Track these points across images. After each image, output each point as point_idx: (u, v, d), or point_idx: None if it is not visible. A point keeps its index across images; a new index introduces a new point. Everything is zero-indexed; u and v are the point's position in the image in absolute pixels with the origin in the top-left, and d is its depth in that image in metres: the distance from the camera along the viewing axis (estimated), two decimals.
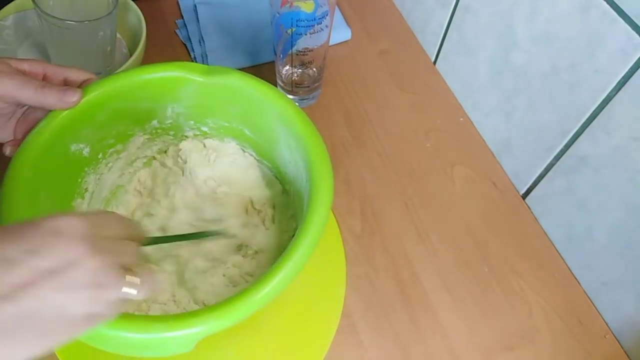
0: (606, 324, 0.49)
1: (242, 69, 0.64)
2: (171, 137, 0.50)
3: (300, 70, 0.58)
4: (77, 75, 0.43)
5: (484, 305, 0.49)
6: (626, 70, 0.40)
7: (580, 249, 0.50)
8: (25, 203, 0.37)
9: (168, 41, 0.67)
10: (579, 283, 0.51)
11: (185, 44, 0.67)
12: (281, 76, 0.59)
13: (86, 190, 0.46)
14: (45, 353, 0.27)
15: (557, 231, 0.53)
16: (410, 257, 0.52)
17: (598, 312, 0.50)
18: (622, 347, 0.48)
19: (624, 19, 0.40)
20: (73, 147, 0.43)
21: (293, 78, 0.59)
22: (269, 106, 0.42)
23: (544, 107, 0.50)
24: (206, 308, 0.32)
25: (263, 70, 0.64)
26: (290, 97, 0.61)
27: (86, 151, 0.44)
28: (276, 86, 0.61)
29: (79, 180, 0.45)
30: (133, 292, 0.29)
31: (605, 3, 0.41)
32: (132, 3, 0.60)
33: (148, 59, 0.61)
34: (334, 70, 0.65)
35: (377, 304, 0.49)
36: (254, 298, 0.33)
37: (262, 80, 0.43)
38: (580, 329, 0.49)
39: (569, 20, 0.44)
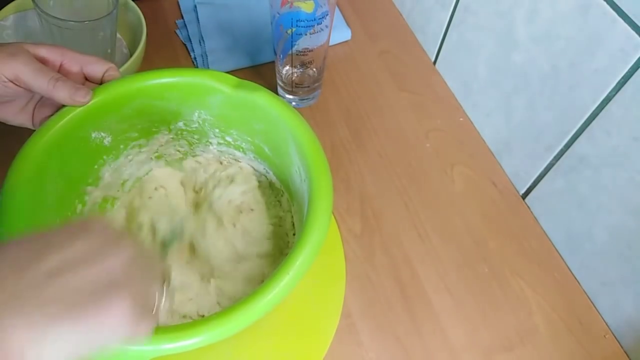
0: (606, 324, 0.49)
1: (242, 69, 0.65)
2: (196, 140, 0.50)
3: (300, 71, 0.58)
4: (95, 67, 0.42)
5: (484, 305, 0.50)
6: (626, 70, 0.40)
7: (580, 249, 0.50)
8: (31, 179, 0.38)
9: (168, 41, 0.67)
10: (579, 283, 0.51)
11: (185, 44, 0.67)
12: (281, 76, 0.59)
13: (101, 178, 0.46)
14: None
15: (557, 231, 0.53)
16: (410, 257, 0.52)
17: (598, 312, 0.50)
18: (622, 347, 0.48)
19: (623, 19, 0.40)
20: (94, 135, 0.43)
21: (293, 78, 0.59)
22: (286, 130, 0.41)
23: (544, 107, 0.50)
24: (198, 321, 0.32)
25: (263, 71, 0.64)
26: (290, 97, 0.61)
27: (107, 140, 0.44)
28: (276, 86, 0.61)
29: (96, 167, 0.45)
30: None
31: (605, 3, 0.41)
32: (132, 3, 0.60)
33: (148, 59, 0.61)
34: (334, 70, 0.65)
35: (377, 304, 0.49)
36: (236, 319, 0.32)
37: (287, 103, 0.42)
38: (580, 329, 0.49)
39: (569, 20, 0.44)
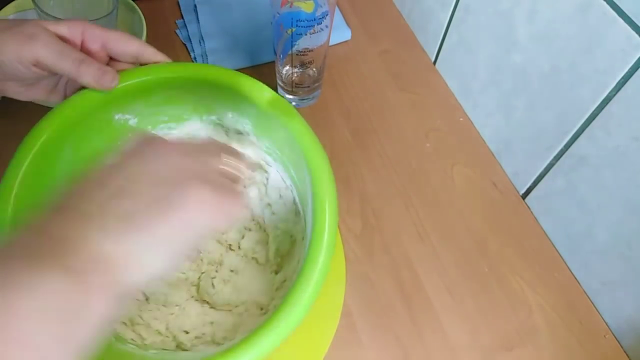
0: (606, 323, 0.49)
1: (242, 69, 0.64)
2: (232, 132, 0.47)
3: (300, 71, 0.58)
4: (119, 44, 0.39)
5: (484, 305, 0.49)
6: (626, 70, 0.40)
7: (580, 249, 0.50)
8: (41, 153, 0.37)
9: (168, 41, 0.67)
10: (579, 283, 0.51)
11: (185, 44, 0.67)
12: (281, 76, 0.59)
13: None
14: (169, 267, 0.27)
15: (557, 231, 0.53)
16: (410, 257, 0.52)
17: (598, 312, 0.50)
18: (622, 347, 0.48)
19: (623, 19, 0.40)
20: (117, 117, 0.42)
21: (293, 78, 0.59)
22: (306, 171, 0.39)
23: (544, 107, 0.50)
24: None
25: (263, 71, 0.64)
26: (290, 97, 0.61)
27: (133, 122, 0.43)
28: (276, 86, 0.61)
29: (119, 143, 0.43)
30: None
31: (605, 3, 0.41)
32: (132, 3, 0.60)
33: None
34: (334, 70, 0.65)
35: (377, 304, 0.49)
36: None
37: (316, 142, 0.39)
38: (580, 328, 0.49)
39: (568, 20, 0.44)
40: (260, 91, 0.40)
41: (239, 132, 0.46)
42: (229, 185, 0.31)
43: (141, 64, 0.41)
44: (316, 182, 0.36)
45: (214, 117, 0.45)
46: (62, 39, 0.37)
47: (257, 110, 0.41)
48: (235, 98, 0.41)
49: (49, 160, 0.39)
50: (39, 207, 0.27)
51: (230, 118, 0.45)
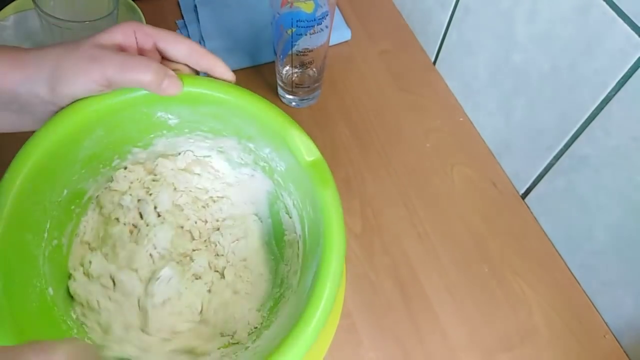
0: (606, 323, 0.49)
1: (242, 69, 0.65)
2: (260, 167, 0.47)
3: (300, 71, 0.58)
4: (171, 45, 0.38)
5: (484, 305, 0.50)
6: (626, 70, 0.40)
7: (580, 249, 0.50)
8: (70, 134, 0.37)
9: None
10: (578, 283, 0.51)
11: None
12: (281, 76, 0.59)
13: (153, 144, 0.44)
14: None
15: (556, 231, 0.53)
16: (410, 257, 0.52)
17: (598, 312, 0.50)
18: (621, 347, 0.48)
19: (623, 19, 0.40)
20: (159, 114, 0.41)
21: (293, 78, 0.59)
22: (321, 244, 0.37)
23: (544, 107, 0.50)
24: None
25: (263, 71, 0.65)
26: (290, 97, 0.61)
27: (173, 122, 0.43)
28: (276, 86, 0.61)
29: (152, 135, 0.44)
30: None
31: (604, 3, 0.41)
32: (132, 3, 0.60)
33: None
34: (334, 70, 0.65)
35: (377, 304, 0.49)
36: None
37: (340, 218, 0.36)
38: (580, 328, 0.49)
39: (569, 20, 0.44)
40: (307, 148, 0.39)
41: (270, 165, 0.45)
42: None
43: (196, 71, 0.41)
44: (326, 259, 0.35)
45: (251, 145, 0.44)
46: (119, 48, 0.37)
47: (296, 163, 0.39)
48: (278, 142, 0.41)
49: (78, 138, 0.38)
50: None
51: (268, 153, 0.44)
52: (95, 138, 0.40)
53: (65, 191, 0.40)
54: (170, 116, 0.42)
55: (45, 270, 0.38)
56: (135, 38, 0.37)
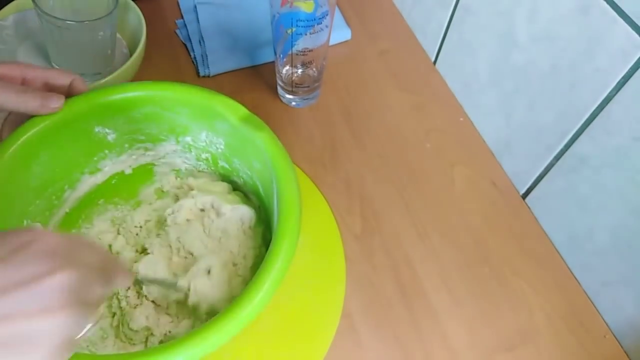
0: (606, 324, 0.49)
1: (242, 69, 0.65)
2: (204, 161, 0.49)
3: (300, 71, 0.58)
4: (58, 78, 0.42)
5: (484, 305, 0.49)
6: (626, 70, 0.40)
7: (581, 249, 0.50)
8: (17, 158, 0.39)
9: (168, 41, 0.67)
10: (579, 283, 0.51)
11: (185, 44, 0.67)
12: (281, 76, 0.59)
13: (100, 170, 0.46)
14: None
15: (557, 231, 0.53)
16: (410, 257, 0.52)
17: (598, 312, 0.50)
18: (622, 347, 0.48)
19: (624, 19, 0.40)
20: (97, 129, 0.44)
21: (293, 78, 0.59)
22: (274, 181, 0.40)
23: (544, 107, 0.50)
24: (179, 340, 0.32)
25: (263, 71, 0.64)
26: (290, 97, 0.61)
27: (112, 137, 0.45)
28: (276, 86, 0.61)
29: (95, 158, 0.46)
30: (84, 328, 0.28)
31: (605, 3, 0.41)
32: (132, 3, 0.60)
33: (148, 59, 0.61)
34: (334, 70, 0.65)
35: (377, 304, 0.49)
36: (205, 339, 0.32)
37: (284, 153, 0.40)
38: (580, 329, 0.49)
39: (569, 20, 0.44)
40: (234, 109, 0.42)
41: (213, 156, 0.48)
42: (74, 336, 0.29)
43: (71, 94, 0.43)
44: (282, 189, 0.38)
45: (188, 139, 0.47)
46: (2, 78, 0.39)
47: (230, 127, 0.43)
48: (210, 117, 0.43)
49: (25, 163, 0.40)
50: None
51: (205, 138, 0.46)
52: (42, 163, 0.41)
53: (25, 222, 0.41)
54: (107, 130, 0.44)
55: None
56: (24, 77, 0.40)
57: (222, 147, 0.46)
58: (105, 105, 0.42)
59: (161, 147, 0.48)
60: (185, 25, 0.68)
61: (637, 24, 0.39)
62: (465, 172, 0.58)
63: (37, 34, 0.60)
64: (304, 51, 0.54)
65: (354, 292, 0.49)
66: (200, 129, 0.46)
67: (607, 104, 0.43)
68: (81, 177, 0.46)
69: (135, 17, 0.60)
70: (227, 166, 0.48)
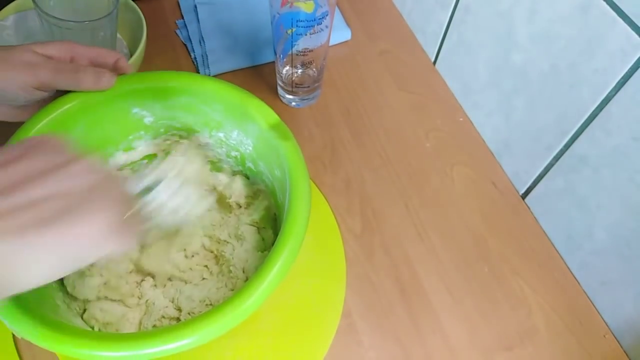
0: (606, 323, 0.49)
1: (243, 70, 0.65)
2: (233, 158, 0.50)
3: (300, 71, 0.58)
4: (105, 56, 0.43)
5: (484, 305, 0.50)
6: (626, 70, 0.40)
7: (580, 249, 0.50)
8: (61, 121, 0.40)
9: (168, 41, 0.67)
10: (578, 283, 0.51)
11: (185, 44, 0.67)
12: (281, 76, 0.59)
13: (133, 148, 0.47)
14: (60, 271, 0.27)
15: (556, 231, 0.53)
16: (410, 257, 0.52)
17: (598, 312, 0.50)
18: (621, 347, 0.48)
19: (623, 19, 0.40)
20: (134, 110, 0.45)
21: (293, 78, 0.59)
22: (287, 192, 0.41)
23: (544, 107, 0.50)
24: (186, 322, 0.32)
25: (263, 71, 0.65)
26: (290, 97, 0.61)
27: (148, 120, 0.46)
28: (276, 86, 0.61)
29: (130, 137, 0.47)
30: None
31: (605, 3, 0.41)
32: (132, 3, 0.60)
33: (148, 59, 0.61)
34: (334, 70, 0.65)
35: (377, 304, 0.49)
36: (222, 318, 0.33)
37: (302, 165, 0.41)
38: (579, 328, 0.49)
39: (568, 21, 0.44)
40: (266, 113, 0.43)
41: (242, 156, 0.49)
42: (133, 214, 0.30)
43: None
44: (293, 199, 0.39)
45: (221, 134, 0.48)
46: (53, 59, 0.40)
47: (260, 130, 0.43)
48: (242, 117, 0.44)
49: (64, 128, 0.41)
50: None
51: (236, 136, 0.47)
52: (77, 135, 0.42)
53: None
54: (145, 113, 0.45)
55: None
56: (72, 56, 0.41)
57: (250, 148, 0.47)
58: (144, 89, 0.43)
59: (194, 137, 0.48)
60: (185, 26, 0.68)
61: (636, 24, 0.39)
62: (465, 172, 0.58)
63: (37, 34, 0.60)
64: (304, 51, 0.54)
65: (354, 292, 0.49)
66: (233, 127, 0.46)
67: (606, 104, 0.43)
68: (115, 152, 0.47)
69: (135, 17, 0.60)
70: (253, 168, 0.49)
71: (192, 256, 0.47)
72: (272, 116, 0.43)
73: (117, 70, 0.43)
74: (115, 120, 0.45)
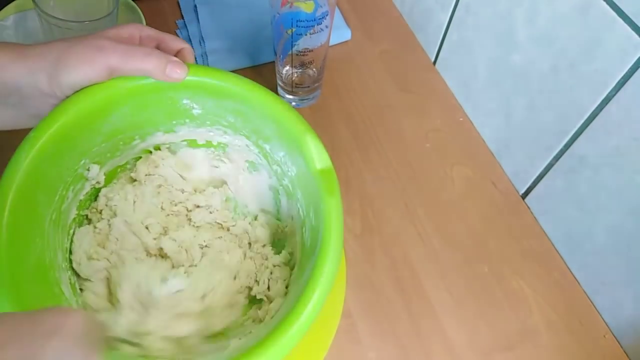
0: (606, 323, 0.49)
1: (243, 70, 0.65)
2: (273, 172, 0.47)
3: (300, 71, 0.58)
4: (171, 42, 0.41)
5: (484, 305, 0.50)
6: (626, 70, 0.40)
7: (580, 249, 0.50)
8: (96, 110, 0.39)
9: None
10: (578, 283, 0.51)
11: None
12: (281, 76, 0.59)
13: (174, 131, 0.46)
14: None
15: (556, 231, 0.53)
16: (410, 257, 0.52)
17: (598, 312, 0.50)
18: (621, 347, 0.48)
19: (623, 19, 0.40)
20: (184, 101, 0.43)
21: (293, 78, 0.59)
22: (317, 250, 0.38)
23: (544, 107, 0.50)
24: None
25: (263, 71, 0.65)
26: (290, 97, 0.61)
27: (197, 112, 0.44)
28: (276, 86, 0.61)
29: (174, 122, 0.45)
30: None
31: (604, 3, 0.41)
32: (132, 3, 0.60)
33: None
34: (334, 70, 0.65)
35: (377, 304, 0.49)
36: None
37: (340, 229, 0.37)
38: (579, 328, 0.49)
39: (568, 21, 0.44)
40: (320, 156, 0.40)
41: (280, 166, 0.46)
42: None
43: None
44: (321, 262, 0.36)
45: (267, 147, 0.45)
46: (124, 41, 0.39)
47: (307, 169, 0.40)
48: (294, 147, 0.42)
49: (104, 113, 0.40)
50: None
51: (282, 156, 0.44)
52: (121, 114, 0.42)
53: (83, 161, 0.42)
54: (195, 105, 0.44)
55: (49, 232, 0.39)
56: (140, 36, 0.40)
57: (293, 174, 0.44)
58: (200, 85, 0.41)
59: (239, 138, 0.47)
60: (185, 26, 0.68)
61: (636, 24, 0.39)
62: (465, 172, 0.58)
63: (37, 34, 0.60)
64: (304, 51, 0.54)
65: (354, 292, 0.49)
66: (281, 148, 0.44)
67: (606, 104, 0.43)
68: (155, 132, 0.46)
69: (135, 17, 0.60)
70: (290, 189, 0.46)
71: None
72: (325, 161, 0.40)
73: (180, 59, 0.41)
74: (162, 107, 0.43)
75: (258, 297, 0.45)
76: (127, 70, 0.38)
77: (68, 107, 0.38)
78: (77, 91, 0.38)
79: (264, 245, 0.48)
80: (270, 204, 0.49)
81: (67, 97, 0.38)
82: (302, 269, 0.40)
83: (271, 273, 0.45)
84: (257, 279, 0.46)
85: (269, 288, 0.45)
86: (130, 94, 0.40)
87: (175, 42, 0.42)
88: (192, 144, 0.48)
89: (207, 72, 0.41)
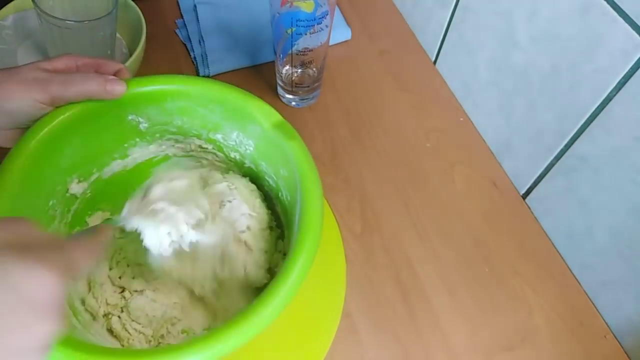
0: (606, 324, 0.49)
1: (242, 69, 0.65)
2: (232, 160, 0.49)
3: (300, 70, 0.58)
4: (107, 66, 0.43)
5: (484, 305, 0.49)
6: (626, 70, 0.40)
7: (581, 249, 0.50)
8: (48, 140, 0.40)
9: (168, 41, 0.67)
10: (579, 283, 0.51)
11: (185, 44, 0.67)
12: (281, 76, 0.59)
13: (129, 156, 0.47)
14: None
15: (557, 231, 0.53)
16: (410, 257, 0.52)
17: (598, 312, 0.50)
18: (622, 347, 0.48)
19: (624, 19, 0.40)
20: (130, 117, 0.44)
21: (293, 78, 0.59)
22: (299, 192, 0.40)
23: (544, 107, 0.50)
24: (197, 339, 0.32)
25: (263, 71, 0.64)
26: (290, 97, 0.61)
27: (144, 126, 0.46)
28: (276, 86, 0.61)
29: (125, 145, 0.47)
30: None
31: (605, 3, 0.41)
32: (132, 3, 0.60)
33: (148, 59, 0.61)
34: (334, 70, 0.65)
35: (377, 304, 0.49)
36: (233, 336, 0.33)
37: (311, 163, 0.40)
38: (580, 329, 0.49)
39: (569, 20, 0.44)
40: (268, 114, 0.43)
41: (241, 157, 0.48)
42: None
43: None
44: (306, 198, 0.38)
45: (219, 136, 0.47)
46: (60, 72, 0.40)
47: (262, 131, 0.43)
48: (243, 118, 0.44)
49: (57, 144, 0.41)
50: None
51: (235, 138, 0.47)
52: (74, 146, 0.42)
53: (51, 202, 0.42)
54: (140, 119, 0.45)
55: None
56: (77, 66, 0.41)
57: (251, 149, 0.47)
58: (140, 94, 0.43)
59: (191, 141, 0.48)
60: (185, 25, 0.68)
61: (637, 24, 0.39)
62: (466, 172, 0.58)
63: (37, 34, 0.60)
64: (304, 51, 0.54)
65: (354, 292, 0.49)
66: (232, 128, 0.46)
67: (607, 103, 0.43)
68: (111, 161, 0.47)
69: (135, 17, 0.60)
70: (253, 167, 0.48)
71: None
72: (275, 116, 0.42)
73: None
74: (111, 128, 0.44)
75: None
76: (68, 96, 0.39)
77: (23, 146, 0.38)
78: (29, 130, 0.39)
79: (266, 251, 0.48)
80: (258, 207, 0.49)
81: (9, 129, 0.40)
82: (292, 221, 0.41)
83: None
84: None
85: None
86: (77, 122, 0.41)
87: (112, 65, 0.43)
88: (148, 164, 0.49)
89: (143, 82, 0.43)
